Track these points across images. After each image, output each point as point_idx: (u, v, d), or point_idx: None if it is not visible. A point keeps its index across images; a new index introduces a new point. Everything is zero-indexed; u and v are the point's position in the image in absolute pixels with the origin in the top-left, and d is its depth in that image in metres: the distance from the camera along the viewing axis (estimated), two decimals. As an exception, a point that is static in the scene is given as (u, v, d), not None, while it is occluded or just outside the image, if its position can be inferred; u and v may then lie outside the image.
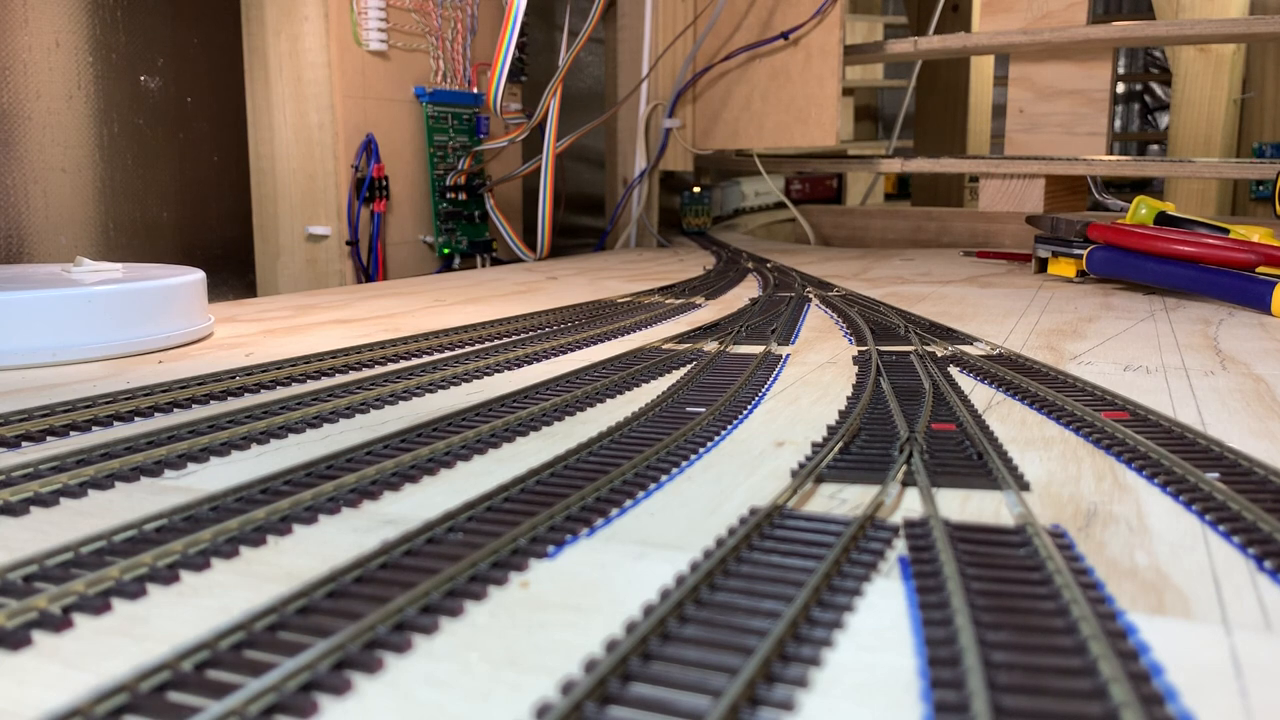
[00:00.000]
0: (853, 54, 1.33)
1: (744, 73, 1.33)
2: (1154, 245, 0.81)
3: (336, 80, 1.00)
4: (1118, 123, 2.74)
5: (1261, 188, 1.61)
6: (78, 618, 0.24)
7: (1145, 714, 0.19)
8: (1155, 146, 2.58)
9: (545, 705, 0.19)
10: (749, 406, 0.45)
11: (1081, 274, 0.92)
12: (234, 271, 1.09)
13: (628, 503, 0.32)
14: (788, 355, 0.57)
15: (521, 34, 1.09)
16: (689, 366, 0.53)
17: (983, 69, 1.91)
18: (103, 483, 0.34)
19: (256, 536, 0.29)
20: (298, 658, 0.20)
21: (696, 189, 1.54)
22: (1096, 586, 0.25)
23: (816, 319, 0.71)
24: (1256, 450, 0.37)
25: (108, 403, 0.44)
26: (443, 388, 0.49)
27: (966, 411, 0.41)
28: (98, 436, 0.40)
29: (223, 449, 0.38)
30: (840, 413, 0.43)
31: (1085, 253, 0.90)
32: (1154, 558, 0.27)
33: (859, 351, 0.58)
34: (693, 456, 0.37)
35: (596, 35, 1.39)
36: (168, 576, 0.26)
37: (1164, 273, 0.81)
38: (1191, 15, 1.52)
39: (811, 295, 0.82)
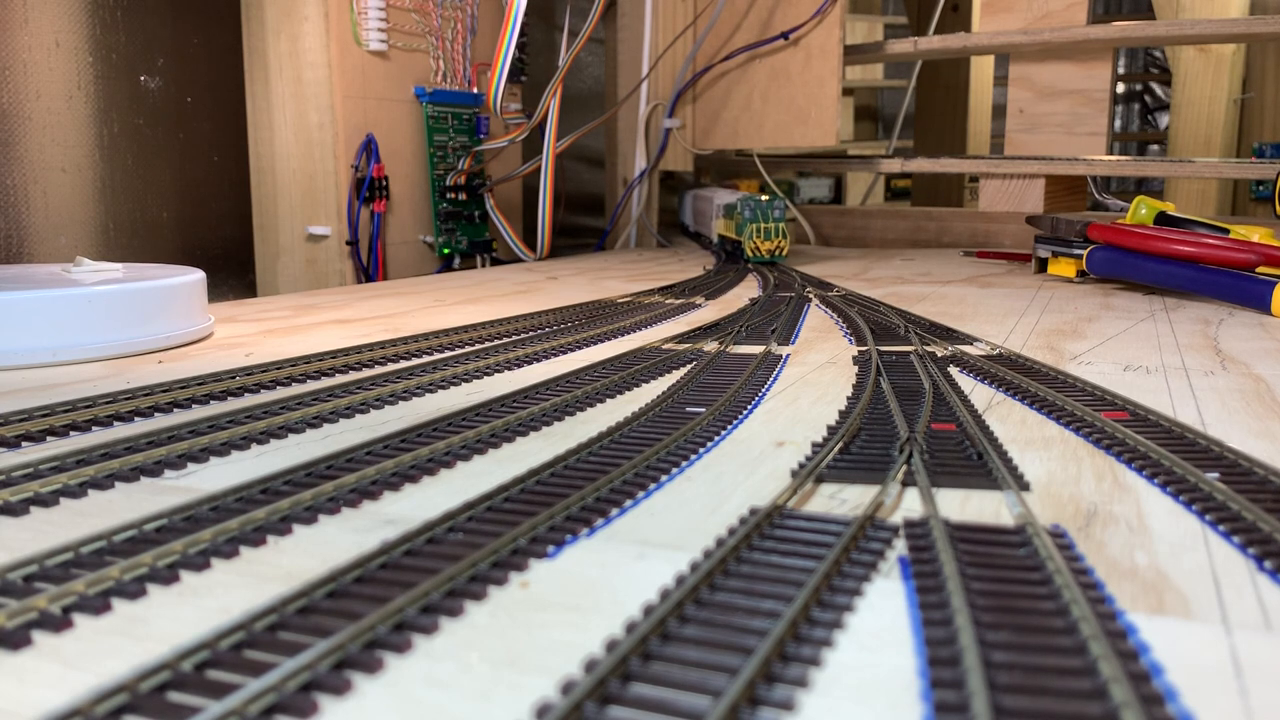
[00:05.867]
0: (853, 54, 1.33)
1: (744, 73, 1.33)
2: (1154, 245, 0.81)
3: (336, 80, 1.00)
4: (1118, 123, 2.74)
5: (1261, 188, 1.61)
6: (78, 618, 0.24)
7: (1145, 714, 0.19)
8: (1155, 146, 2.58)
9: (545, 705, 0.19)
10: (749, 406, 0.45)
11: (1081, 274, 0.92)
12: (234, 271, 1.09)
13: (628, 503, 0.32)
14: (788, 355, 0.57)
15: (521, 34, 1.09)
16: (689, 366, 0.53)
17: (983, 69, 1.91)
18: (103, 483, 0.34)
19: (256, 536, 0.29)
20: (298, 658, 0.20)
21: (764, 195, 1.09)
22: (1096, 586, 0.25)
23: (816, 319, 0.71)
24: (1256, 450, 0.37)
25: (108, 403, 0.44)
26: (443, 388, 0.49)
27: (966, 411, 0.41)
28: (98, 436, 0.40)
29: (223, 449, 0.38)
30: (840, 413, 0.43)
31: (1085, 253, 0.90)
32: (1154, 558, 0.27)
33: (859, 351, 0.58)
34: (693, 456, 0.37)
35: (596, 35, 1.39)
36: (168, 576, 0.26)
37: (1164, 273, 0.81)
38: (1191, 15, 1.52)
39: (811, 295, 0.82)
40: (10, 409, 0.42)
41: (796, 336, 0.64)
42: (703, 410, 0.42)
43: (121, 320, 0.57)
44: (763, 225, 1.04)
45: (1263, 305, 0.72)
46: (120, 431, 0.41)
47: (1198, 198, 1.60)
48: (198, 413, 0.44)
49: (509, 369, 0.53)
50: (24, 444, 0.39)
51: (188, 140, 1.05)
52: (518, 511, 0.30)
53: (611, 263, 1.15)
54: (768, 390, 0.48)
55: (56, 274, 0.63)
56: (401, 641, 0.22)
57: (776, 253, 1.05)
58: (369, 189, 1.04)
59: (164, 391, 0.46)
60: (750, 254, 1.05)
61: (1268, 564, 0.26)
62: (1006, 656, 0.21)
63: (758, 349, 0.57)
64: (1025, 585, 0.24)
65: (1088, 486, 0.33)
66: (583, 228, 1.57)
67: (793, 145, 1.31)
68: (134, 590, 0.25)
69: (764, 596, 0.24)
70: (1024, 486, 0.33)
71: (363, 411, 0.44)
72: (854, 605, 0.24)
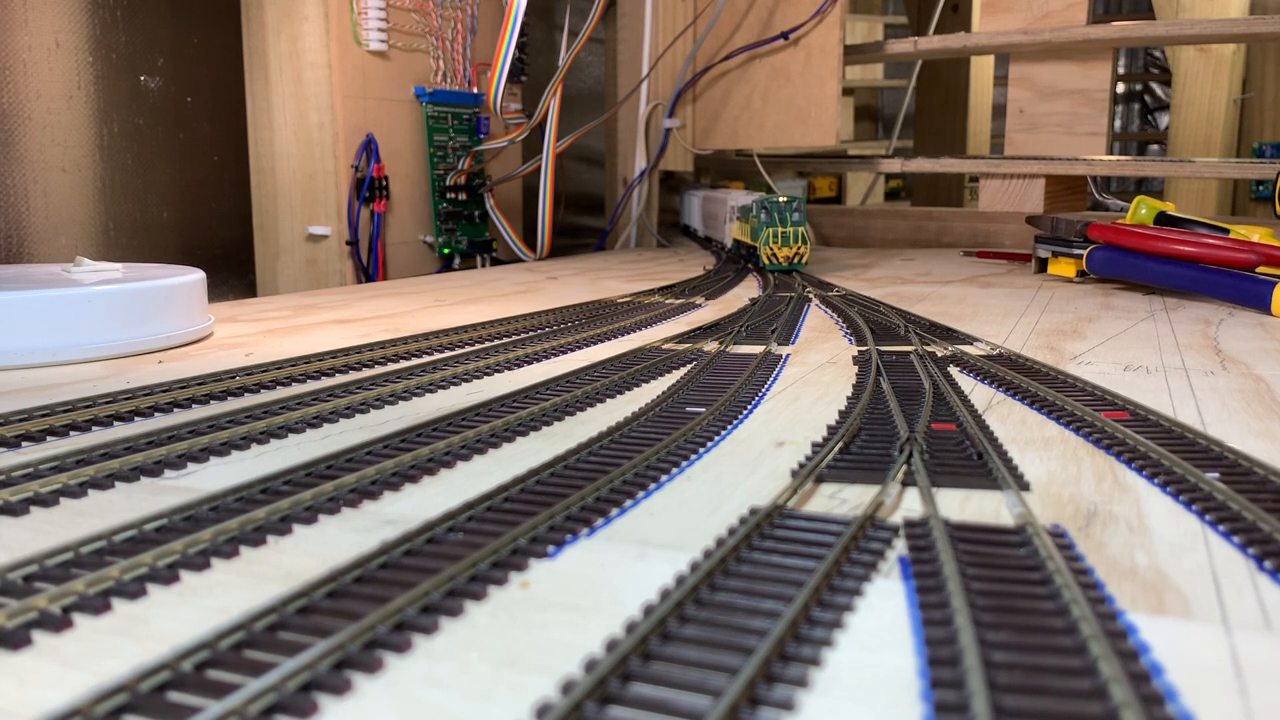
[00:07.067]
0: (853, 54, 1.33)
1: (744, 73, 1.33)
2: (1154, 245, 0.81)
3: (336, 80, 1.00)
4: (1118, 123, 2.74)
5: (1261, 188, 1.61)
6: (78, 618, 0.24)
7: (1145, 714, 0.19)
8: (1155, 146, 2.58)
9: (545, 705, 0.19)
10: (749, 406, 0.45)
11: (1081, 274, 0.92)
12: (234, 271, 1.09)
13: (628, 503, 0.32)
14: (788, 355, 0.57)
15: (521, 34, 1.09)
16: (689, 366, 0.53)
17: (983, 69, 1.91)
18: (103, 483, 0.34)
19: (256, 536, 0.29)
20: (298, 658, 0.20)
21: (782, 197, 0.97)
22: (1096, 586, 0.25)
23: (816, 319, 0.71)
24: (1256, 450, 0.37)
25: (108, 403, 0.44)
26: (443, 388, 0.49)
27: (966, 411, 0.41)
28: (98, 436, 0.40)
29: (223, 449, 0.38)
30: (840, 413, 0.43)
31: (1085, 253, 0.90)
32: (1154, 558, 0.27)
33: (859, 351, 0.58)
34: (693, 456, 0.37)
35: (596, 35, 1.39)
36: (168, 576, 0.26)
37: (1164, 273, 0.81)
38: (1191, 15, 1.52)
39: (811, 295, 0.82)
40: (10, 409, 0.42)
41: (796, 336, 0.64)
42: (703, 410, 0.42)
43: (121, 320, 0.57)
44: (780, 230, 0.94)
45: (1263, 305, 0.72)
46: (120, 431, 0.41)
47: (1198, 198, 1.60)
48: (198, 413, 0.44)
49: (509, 369, 0.53)
50: (24, 444, 0.39)
51: (188, 140, 1.05)
52: (518, 511, 0.30)
53: (611, 263, 1.15)
54: (768, 390, 0.48)
55: (56, 274, 0.63)
56: (401, 641, 0.22)
57: (796, 260, 0.95)
58: (369, 189, 1.04)
59: (164, 391, 0.46)
60: (767, 261, 0.95)
61: (1268, 564, 0.26)
62: (1006, 656, 0.21)
63: (758, 349, 0.57)
64: (1025, 585, 0.24)
65: (1088, 486, 0.33)
66: (583, 228, 1.57)
67: (793, 145, 1.31)
68: (134, 590, 0.25)
69: (764, 596, 0.24)
70: (1024, 486, 0.33)
71: (363, 411, 0.44)
72: (854, 605, 0.24)
